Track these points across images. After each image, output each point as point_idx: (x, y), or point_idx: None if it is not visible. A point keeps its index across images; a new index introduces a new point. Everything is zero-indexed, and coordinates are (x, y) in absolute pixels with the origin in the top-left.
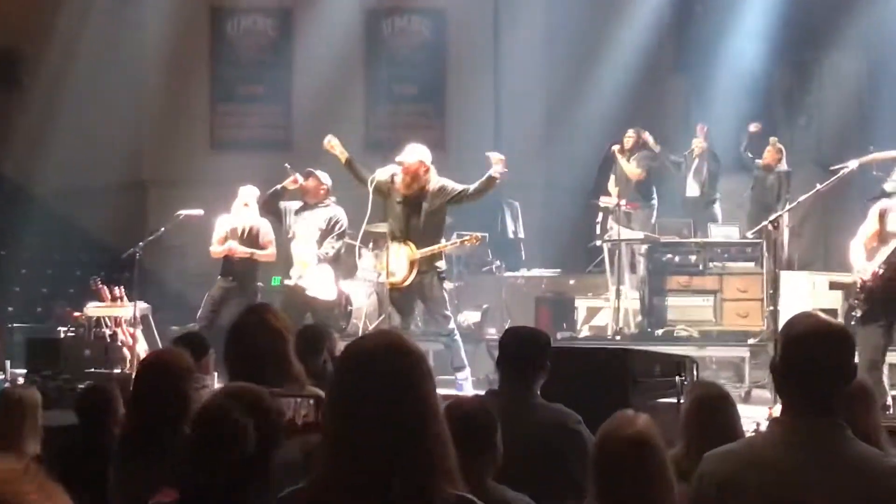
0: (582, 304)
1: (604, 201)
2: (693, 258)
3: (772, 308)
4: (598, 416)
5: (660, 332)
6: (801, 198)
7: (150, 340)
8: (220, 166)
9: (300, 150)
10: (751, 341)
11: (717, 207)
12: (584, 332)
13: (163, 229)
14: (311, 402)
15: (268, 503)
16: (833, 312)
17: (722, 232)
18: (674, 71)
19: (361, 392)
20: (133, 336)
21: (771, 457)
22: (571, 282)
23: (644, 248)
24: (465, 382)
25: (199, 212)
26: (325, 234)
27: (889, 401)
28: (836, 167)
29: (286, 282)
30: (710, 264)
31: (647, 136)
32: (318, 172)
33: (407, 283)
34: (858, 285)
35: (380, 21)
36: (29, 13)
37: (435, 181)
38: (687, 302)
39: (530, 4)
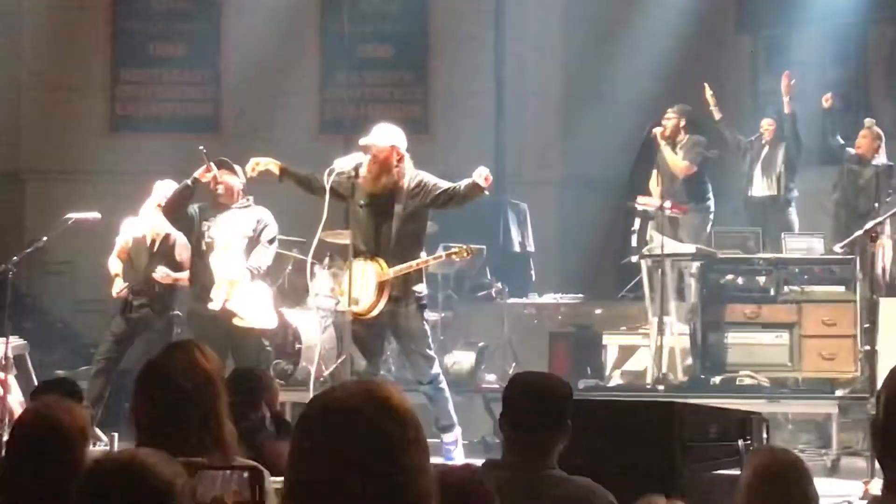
0: (612, 342)
1: (642, 203)
2: (762, 280)
3: (868, 347)
4: (636, 494)
5: (717, 379)
6: None
7: (29, 390)
8: (122, 153)
9: (232, 132)
10: (840, 392)
11: (793, 211)
12: (616, 379)
13: (45, 239)
14: (246, 476)
15: None
16: None
17: (801, 245)
18: (735, 32)
19: (333, 467)
20: (4, 384)
21: None
22: (598, 311)
23: (696, 265)
24: (454, 447)
25: (95, 215)
26: (252, 241)
27: None
28: None
29: (210, 305)
30: (786, 288)
31: (708, 93)
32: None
33: (374, 312)
34: None
35: None
36: None
37: (411, 175)
38: (753, 339)
39: None
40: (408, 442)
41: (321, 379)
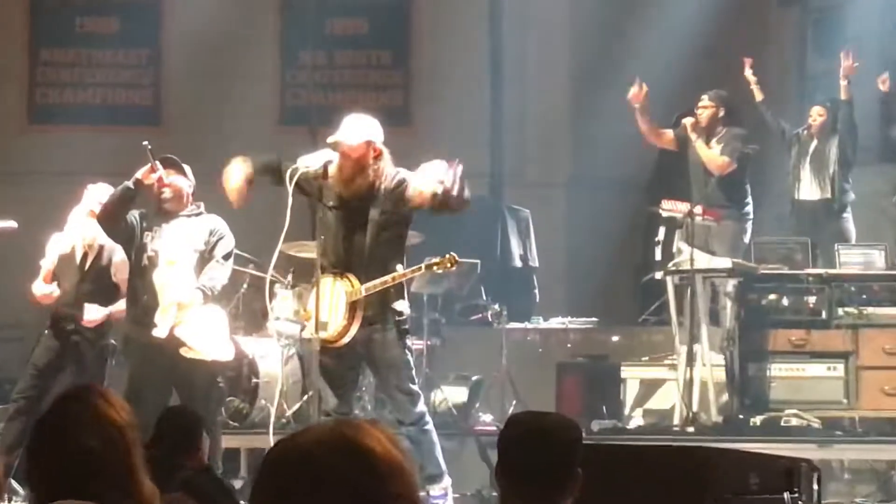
0: (632, 375)
1: (668, 207)
2: (811, 300)
3: None
4: None
5: (758, 419)
6: None
7: None
8: (43, 150)
9: (175, 125)
10: None
11: (849, 218)
12: (637, 420)
13: None
14: None
15: None
16: None
17: (858, 258)
18: (779, 5)
19: None
20: None
21: None
22: (615, 338)
23: (733, 283)
24: (442, 501)
25: (10, 224)
26: (205, 256)
27: None
28: None
29: (154, 332)
30: (840, 310)
31: (747, 71)
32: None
33: (346, 339)
34: None
35: None
36: None
37: (391, 173)
38: (802, 371)
39: None
40: (391, 500)
41: (283, 420)
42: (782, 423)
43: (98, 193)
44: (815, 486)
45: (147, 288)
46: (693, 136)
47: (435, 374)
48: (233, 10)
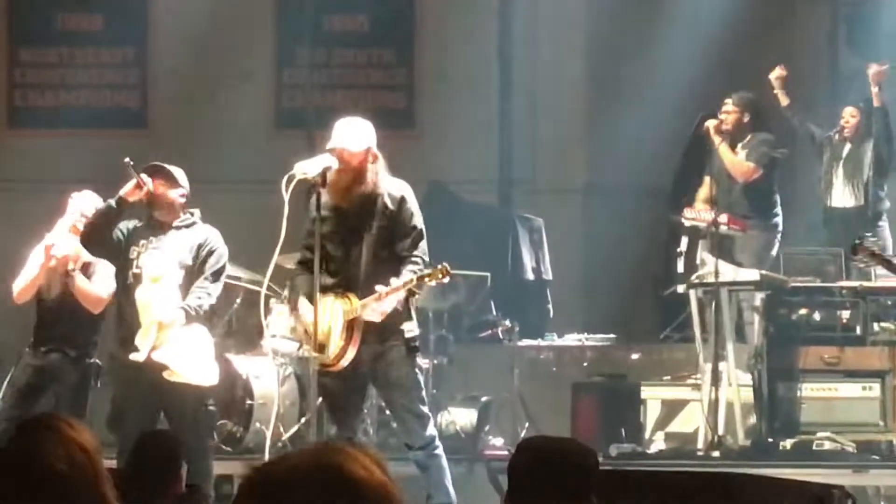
0: (653, 396)
1: (690, 217)
2: (845, 316)
3: None
4: None
5: (788, 443)
6: None
7: None
8: (22, 155)
9: (163, 128)
10: None
11: (885, 227)
12: (658, 443)
13: None
14: None
15: None
16: None
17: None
18: (809, 0)
19: None
20: None
21: None
22: (635, 356)
23: (760, 296)
24: None
25: None
26: (193, 272)
27: None
28: None
29: (132, 355)
30: (875, 326)
31: (773, 73)
32: (171, 168)
33: (343, 362)
34: None
35: None
36: None
37: (394, 187)
38: (835, 391)
39: None
40: None
41: (279, 444)
42: (814, 447)
43: (81, 203)
44: None
45: (131, 306)
46: (717, 139)
47: (442, 394)
48: (225, 6)
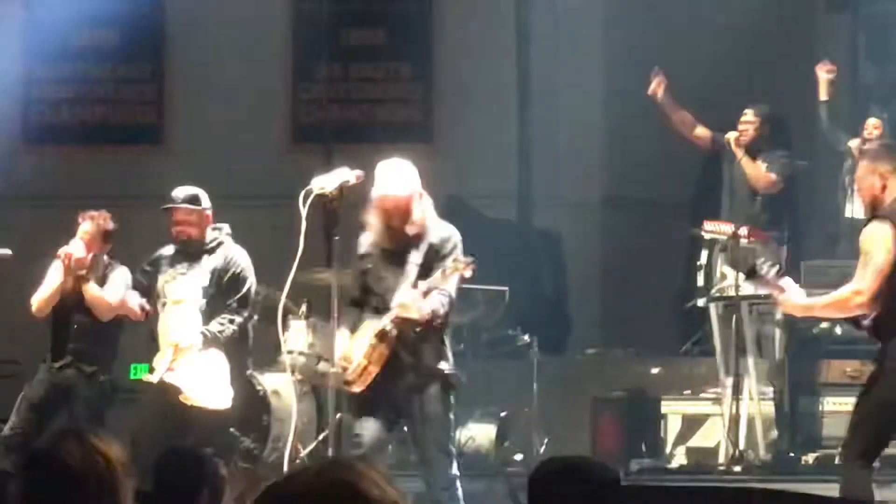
0: (674, 410)
1: (710, 229)
2: None
3: None
4: None
5: (810, 458)
6: None
7: None
8: (37, 171)
9: (179, 145)
10: None
11: None
12: (679, 458)
13: None
14: None
15: None
16: None
17: None
18: (828, 10)
19: None
20: None
21: None
22: (655, 370)
23: (781, 311)
24: None
25: (5, 252)
26: (216, 297)
27: None
28: None
29: (145, 377)
30: None
31: (820, 65)
32: (195, 192)
33: (364, 381)
34: None
35: None
36: None
37: (441, 227)
38: None
39: None
40: None
41: (297, 461)
42: (836, 462)
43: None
44: None
45: (157, 330)
46: (738, 151)
47: (460, 410)
48: (241, 21)
